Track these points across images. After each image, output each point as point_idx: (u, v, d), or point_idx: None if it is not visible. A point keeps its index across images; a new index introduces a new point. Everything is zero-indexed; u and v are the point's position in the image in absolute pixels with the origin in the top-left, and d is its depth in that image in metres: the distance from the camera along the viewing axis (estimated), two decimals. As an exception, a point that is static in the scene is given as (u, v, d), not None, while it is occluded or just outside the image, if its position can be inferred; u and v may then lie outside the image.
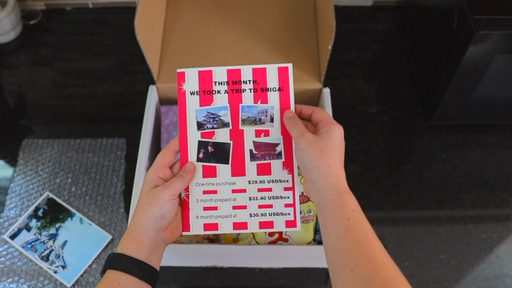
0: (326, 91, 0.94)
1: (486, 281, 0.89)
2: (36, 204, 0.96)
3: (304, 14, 1.07)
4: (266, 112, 0.68)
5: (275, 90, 0.68)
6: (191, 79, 0.68)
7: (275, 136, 0.67)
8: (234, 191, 0.68)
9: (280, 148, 0.67)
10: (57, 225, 0.93)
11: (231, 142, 0.67)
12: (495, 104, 0.99)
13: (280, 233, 0.82)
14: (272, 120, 0.67)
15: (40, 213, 0.95)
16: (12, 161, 1.01)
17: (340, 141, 0.63)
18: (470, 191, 0.99)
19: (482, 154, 1.03)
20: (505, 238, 0.93)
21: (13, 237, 0.92)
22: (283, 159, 0.67)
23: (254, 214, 0.67)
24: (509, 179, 1.00)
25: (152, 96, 0.94)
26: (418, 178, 1.00)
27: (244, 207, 0.68)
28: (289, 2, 1.09)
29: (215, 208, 0.67)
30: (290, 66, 0.68)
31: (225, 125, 0.67)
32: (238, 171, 0.67)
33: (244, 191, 0.68)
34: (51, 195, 0.97)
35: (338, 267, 0.56)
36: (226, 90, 0.68)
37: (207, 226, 0.67)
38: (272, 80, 0.68)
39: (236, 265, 0.89)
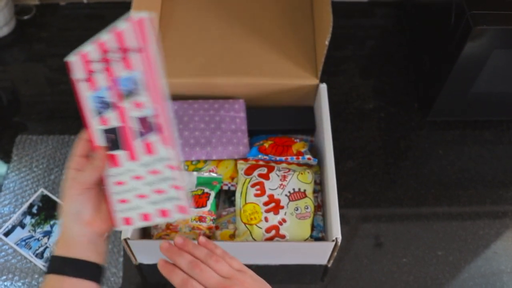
0: (323, 87, 0.94)
1: (483, 278, 0.88)
2: (31, 201, 0.95)
3: (300, 9, 1.06)
4: (135, 80, 0.57)
5: (135, 51, 0.55)
6: (77, 65, 0.60)
7: (148, 106, 0.57)
8: (134, 178, 0.61)
9: (155, 119, 0.58)
10: (51, 222, 0.92)
11: (121, 124, 0.60)
12: (493, 100, 0.99)
13: (277, 229, 0.82)
14: (142, 88, 0.57)
15: (34, 210, 0.94)
16: (5, 158, 1.00)
17: None
18: (467, 187, 0.98)
19: (479, 150, 1.03)
20: (502, 234, 0.93)
21: (7, 234, 0.91)
22: (161, 133, 0.58)
23: (154, 202, 0.61)
24: (506, 175, 1.00)
25: (148, 92, 0.93)
26: (415, 175, 1.00)
27: (145, 196, 0.62)
28: (286, -3, 1.08)
29: (126, 201, 0.62)
30: (147, 17, 0.54)
31: (110, 106, 0.59)
32: (133, 155, 0.60)
33: (141, 178, 0.61)
34: (46, 192, 0.96)
35: None
36: (103, 68, 0.58)
37: (124, 221, 0.63)
38: (131, 40, 0.55)
39: (232, 262, 0.88)
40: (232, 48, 1.00)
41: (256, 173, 0.86)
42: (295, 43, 1.01)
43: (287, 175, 0.86)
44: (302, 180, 0.85)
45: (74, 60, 0.60)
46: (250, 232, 0.82)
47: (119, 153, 0.61)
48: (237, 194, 0.85)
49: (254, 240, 0.82)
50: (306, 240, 0.82)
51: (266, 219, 0.83)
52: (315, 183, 0.89)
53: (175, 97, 0.97)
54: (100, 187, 0.62)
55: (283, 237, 0.82)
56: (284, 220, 0.82)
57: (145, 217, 0.62)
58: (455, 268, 0.89)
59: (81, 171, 0.59)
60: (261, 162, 0.89)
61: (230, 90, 0.97)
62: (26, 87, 1.11)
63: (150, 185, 0.61)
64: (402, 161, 1.02)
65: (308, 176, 0.86)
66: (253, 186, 0.85)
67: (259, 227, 0.82)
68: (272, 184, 0.85)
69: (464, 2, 0.84)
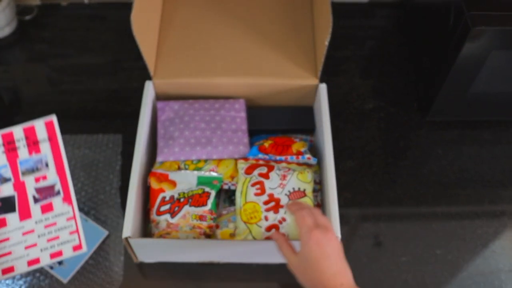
0: (323, 87, 0.94)
1: (481, 276, 0.89)
2: (32, 200, 0.95)
3: (301, 10, 1.07)
4: (41, 160, 0.79)
5: (45, 141, 0.79)
6: None
7: (52, 178, 0.79)
8: (24, 233, 0.78)
9: (57, 187, 0.79)
10: (53, 221, 0.93)
11: (15, 193, 0.78)
12: (491, 100, 1.00)
13: (277, 228, 0.83)
14: (47, 165, 0.78)
15: (35, 209, 0.95)
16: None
17: (317, 249, 0.69)
18: (466, 187, 0.99)
19: (478, 150, 1.03)
20: (501, 233, 0.94)
21: (8, 233, 0.92)
22: (62, 195, 0.79)
23: (44, 248, 0.78)
24: (504, 175, 1.00)
25: (149, 91, 0.94)
26: (414, 174, 1.00)
27: (35, 245, 0.78)
28: (286, -2, 1.09)
29: (9, 253, 0.77)
30: (54, 118, 0.79)
31: (7, 180, 0.77)
32: (25, 215, 0.78)
33: (32, 231, 0.78)
34: (47, 191, 0.96)
35: None
36: (3, 151, 0.77)
37: (4, 271, 0.77)
38: (41, 133, 0.78)
39: (233, 261, 0.89)
40: (233, 48, 1.00)
41: (256, 172, 0.87)
42: (295, 43, 1.01)
43: (287, 175, 0.86)
44: (301, 180, 0.86)
45: None
46: (250, 231, 0.83)
47: (8, 216, 0.77)
48: (237, 193, 0.86)
49: (254, 238, 0.82)
50: None
51: (266, 218, 0.83)
52: (315, 182, 0.90)
53: (176, 97, 0.98)
54: None
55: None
56: (284, 219, 0.83)
57: (34, 261, 0.78)
58: (454, 267, 0.90)
59: None
60: (261, 162, 0.89)
61: (230, 90, 0.97)
62: (28, 87, 1.12)
63: (42, 236, 0.78)
64: (402, 160, 1.02)
65: (308, 175, 0.87)
66: (253, 185, 0.86)
67: (259, 226, 0.83)
68: (272, 184, 0.86)
69: (462, 3, 0.85)
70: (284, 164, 0.89)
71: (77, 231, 0.80)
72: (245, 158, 0.90)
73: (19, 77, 1.14)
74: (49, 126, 0.80)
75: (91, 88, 1.11)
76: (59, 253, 0.80)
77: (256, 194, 0.85)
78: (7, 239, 0.78)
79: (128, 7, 0.83)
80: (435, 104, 1.00)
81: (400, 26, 1.22)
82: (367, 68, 1.16)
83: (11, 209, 0.79)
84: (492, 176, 1.00)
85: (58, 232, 0.79)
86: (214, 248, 0.84)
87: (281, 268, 0.89)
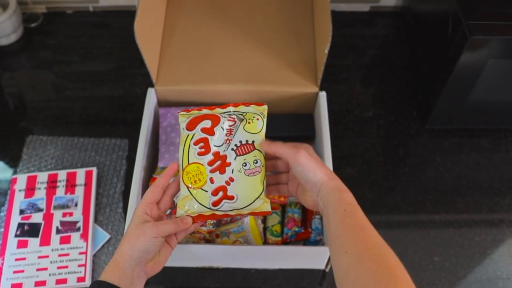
0: (322, 95, 0.96)
1: (479, 283, 0.89)
2: (35, 204, 0.97)
3: (301, 19, 1.08)
4: (73, 200, 0.95)
5: (81, 185, 0.97)
6: (21, 180, 0.98)
7: (77, 215, 0.93)
8: (39, 257, 0.89)
9: (79, 224, 0.92)
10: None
11: (43, 222, 0.92)
12: (489, 109, 1.01)
13: (225, 190, 0.72)
14: (76, 205, 0.94)
15: (39, 213, 0.97)
16: (11, 162, 1.02)
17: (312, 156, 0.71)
18: (464, 194, 1.00)
19: (476, 158, 1.04)
20: (499, 241, 0.94)
21: (12, 236, 0.94)
22: (81, 232, 0.92)
23: (52, 273, 0.87)
24: (502, 183, 1.01)
25: (151, 98, 0.95)
26: (413, 182, 1.01)
27: (46, 269, 0.88)
28: (287, 7, 1.10)
29: (22, 271, 0.87)
30: (94, 169, 0.99)
31: (40, 210, 0.93)
32: (45, 242, 0.90)
33: (47, 256, 0.89)
34: (50, 196, 0.98)
35: (336, 250, 0.63)
36: (45, 187, 0.96)
37: (13, 285, 0.86)
38: (80, 178, 0.98)
39: (232, 266, 0.90)
40: (234, 56, 1.02)
41: (199, 127, 0.74)
42: (296, 52, 1.03)
43: (233, 128, 0.75)
44: (249, 131, 0.74)
45: (20, 177, 0.98)
46: (194, 197, 0.72)
47: (31, 239, 0.90)
48: (180, 153, 0.74)
49: (201, 205, 0.72)
50: (257, 198, 0.73)
51: (211, 180, 0.72)
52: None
53: (178, 104, 0.99)
54: (164, 239, 0.69)
55: (231, 198, 0.72)
56: (231, 179, 0.72)
57: (40, 283, 0.86)
58: (452, 274, 0.90)
59: (165, 222, 0.67)
60: (204, 111, 0.76)
61: (231, 97, 0.99)
62: (33, 93, 1.13)
63: (54, 263, 0.88)
64: (401, 168, 1.03)
65: (257, 124, 0.76)
66: (196, 143, 0.74)
67: (204, 190, 0.72)
68: (217, 140, 0.74)
69: (460, 12, 0.86)
70: (231, 108, 0.77)
71: (85, 265, 0.88)
72: (187, 109, 0.77)
73: (24, 83, 1.15)
74: (88, 174, 0.98)
75: (95, 95, 1.13)
76: (64, 281, 0.87)
77: (200, 154, 0.73)
78: (24, 258, 0.89)
79: (131, 15, 0.85)
80: (434, 112, 1.01)
81: (400, 35, 1.24)
82: (367, 76, 1.17)
83: (35, 234, 0.91)
84: (491, 184, 1.01)
85: (69, 262, 0.88)
86: (213, 253, 0.85)
87: (279, 274, 0.90)
